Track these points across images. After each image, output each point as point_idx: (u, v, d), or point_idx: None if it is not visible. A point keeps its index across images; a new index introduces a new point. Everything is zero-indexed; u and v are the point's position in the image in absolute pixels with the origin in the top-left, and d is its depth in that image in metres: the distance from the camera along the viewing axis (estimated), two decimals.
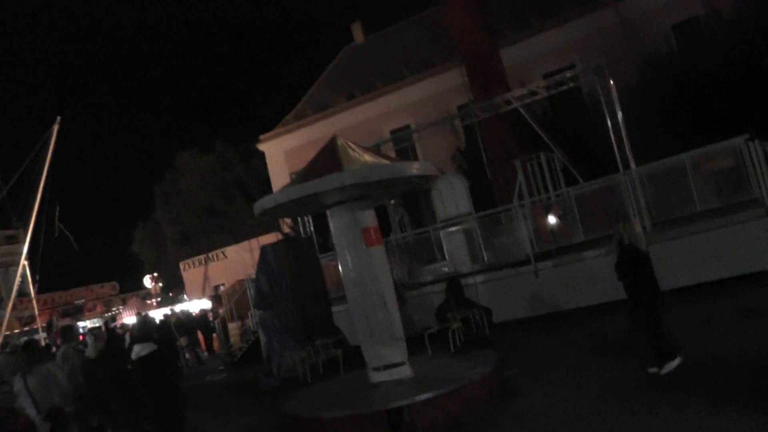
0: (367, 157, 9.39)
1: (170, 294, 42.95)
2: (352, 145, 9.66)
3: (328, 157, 9.39)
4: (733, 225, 12.17)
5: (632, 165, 14.25)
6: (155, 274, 43.42)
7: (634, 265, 8.15)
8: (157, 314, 26.27)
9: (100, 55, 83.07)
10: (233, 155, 44.53)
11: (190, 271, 36.43)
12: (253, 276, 15.99)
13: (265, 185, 32.52)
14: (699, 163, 13.72)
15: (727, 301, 10.99)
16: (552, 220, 15.48)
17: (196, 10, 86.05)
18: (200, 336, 23.43)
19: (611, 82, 14.77)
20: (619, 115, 14.55)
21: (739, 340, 8.40)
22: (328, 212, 9.72)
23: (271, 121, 33.42)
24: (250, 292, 17.29)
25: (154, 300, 40.34)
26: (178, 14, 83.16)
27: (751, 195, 12.72)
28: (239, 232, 36.44)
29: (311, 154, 29.66)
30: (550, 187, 16.05)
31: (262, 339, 15.41)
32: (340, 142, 9.63)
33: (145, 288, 43.10)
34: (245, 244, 32.75)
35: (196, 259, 36.44)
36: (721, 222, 12.32)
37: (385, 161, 9.44)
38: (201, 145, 43.59)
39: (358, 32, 35.26)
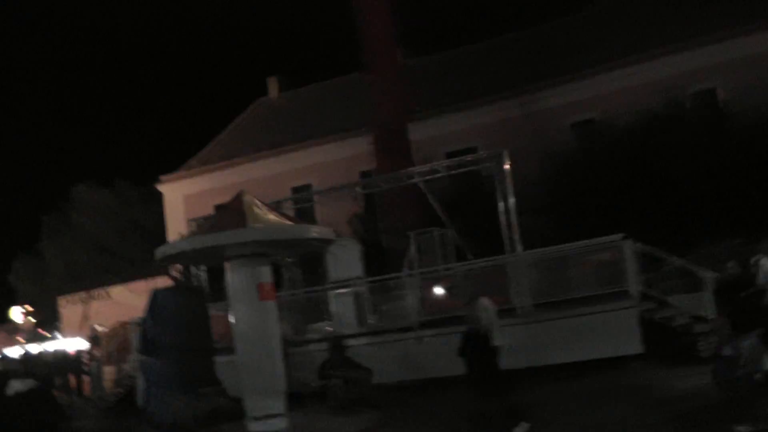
0: (272, 216, 9.85)
1: (42, 330, 40.94)
2: (258, 203, 10.10)
3: (234, 212, 9.79)
4: (606, 312, 13.38)
5: (519, 248, 15.37)
6: (27, 308, 41.26)
7: (480, 354, 8.78)
8: (29, 350, 25.19)
9: None
10: (132, 193, 43.66)
11: (70, 308, 35.04)
12: (139, 319, 15.89)
13: (161, 228, 32.17)
14: (582, 253, 14.97)
15: (592, 380, 12.02)
16: (439, 291, 16.27)
17: (117, 38, 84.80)
18: (71, 378, 22.55)
19: (507, 167, 15.98)
20: (512, 201, 15.73)
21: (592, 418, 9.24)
22: (226, 264, 10.06)
23: (174, 163, 33.24)
24: (135, 336, 17.11)
25: (22, 336, 38.28)
26: (97, 40, 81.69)
27: (624, 287, 13.96)
28: (128, 273, 35.57)
29: (211, 202, 29.92)
30: (441, 261, 16.88)
31: (142, 385, 15.25)
32: (246, 198, 10.05)
33: (14, 321, 40.86)
34: (133, 285, 32.01)
35: (77, 295, 35.17)
36: (596, 308, 13.56)
37: (288, 222, 9.92)
38: (99, 178, 42.41)
39: (273, 86, 35.73)
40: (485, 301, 9.60)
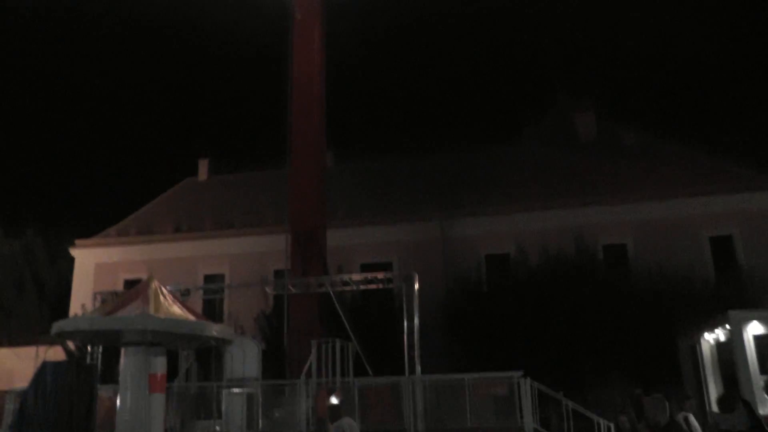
0: (175, 309, 9.94)
1: None
2: (165, 292, 10.18)
3: (139, 297, 9.85)
4: None
5: (418, 370, 15.69)
6: None
7: None
8: None
9: None
10: (41, 250, 42.17)
11: None
12: (20, 390, 15.17)
13: (65, 291, 31.17)
14: (478, 384, 15.35)
15: None
16: (333, 401, 16.27)
17: (67, 92, 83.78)
18: None
19: (416, 289, 16.46)
20: (416, 322, 16.12)
21: None
22: (122, 349, 10.01)
23: (91, 228, 32.62)
24: (11, 408, 16.25)
25: None
26: (42, 92, 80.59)
27: (517, 423, 14.33)
28: (18, 334, 33.91)
29: (121, 275, 29.18)
30: (339, 373, 16.96)
31: None
32: (153, 285, 10.13)
33: None
34: (21, 350, 30.45)
35: None
36: None
37: (190, 317, 10.01)
38: (9, 227, 40.87)
39: (203, 168, 35.72)
40: (347, 421, 9.79)
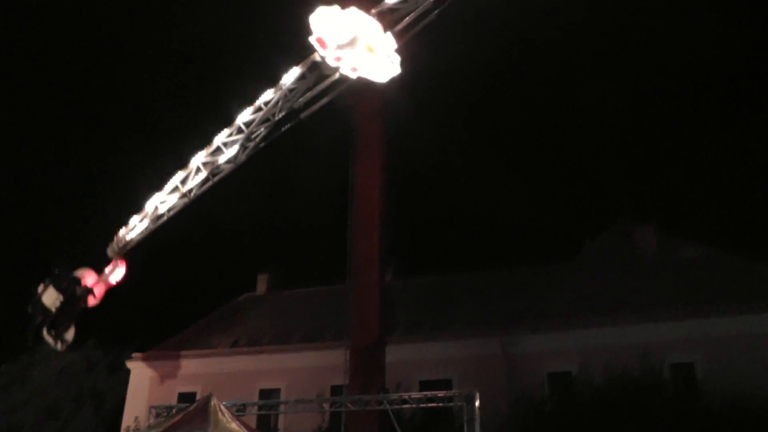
0: (233, 426, 9.78)
1: None
2: (223, 410, 10.05)
3: (199, 414, 9.73)
4: None
5: None
6: None
7: None
8: None
9: None
10: (100, 360, 42.47)
11: None
12: None
13: (120, 405, 31.16)
14: None
15: None
16: None
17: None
18: None
19: (477, 408, 15.95)
20: None
21: None
22: None
23: (148, 340, 32.91)
24: None
25: None
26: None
27: None
28: None
29: (177, 388, 29.18)
30: None
31: None
32: (213, 402, 10.03)
33: None
34: None
35: None
36: None
37: None
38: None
39: (262, 283, 36.16)
40: None
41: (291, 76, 14.55)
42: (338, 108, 18.80)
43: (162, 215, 16.35)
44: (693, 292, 25.15)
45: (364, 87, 17.82)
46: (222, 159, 14.92)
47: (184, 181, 15.91)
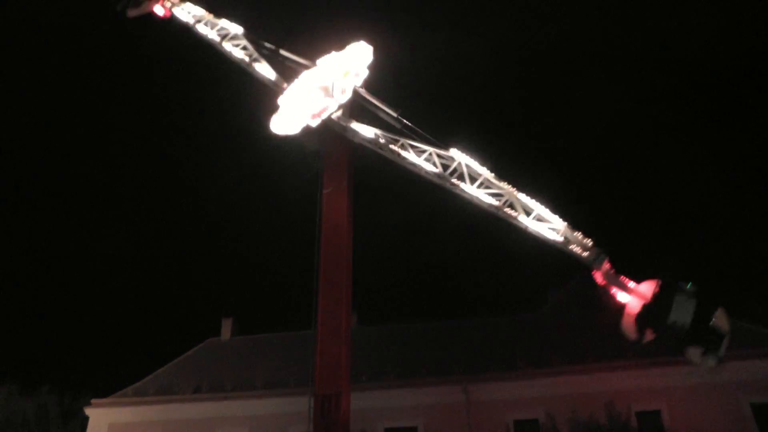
0: None
1: None
2: None
3: None
4: None
5: None
6: None
7: None
8: None
9: None
10: (54, 408, 41.38)
11: None
12: None
13: None
14: None
15: None
16: None
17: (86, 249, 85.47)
18: None
19: None
20: None
21: None
22: None
23: (106, 386, 32.10)
24: None
25: None
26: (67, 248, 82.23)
27: None
28: None
29: None
30: None
31: None
32: None
33: None
34: None
35: None
36: None
37: None
38: (24, 383, 40.22)
39: (226, 328, 35.66)
40: None
41: None
42: (306, 152, 19.01)
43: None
44: (659, 341, 25.24)
45: (332, 133, 18.24)
46: None
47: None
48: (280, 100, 18.38)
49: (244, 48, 20.07)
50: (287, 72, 19.27)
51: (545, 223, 14.81)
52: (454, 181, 15.61)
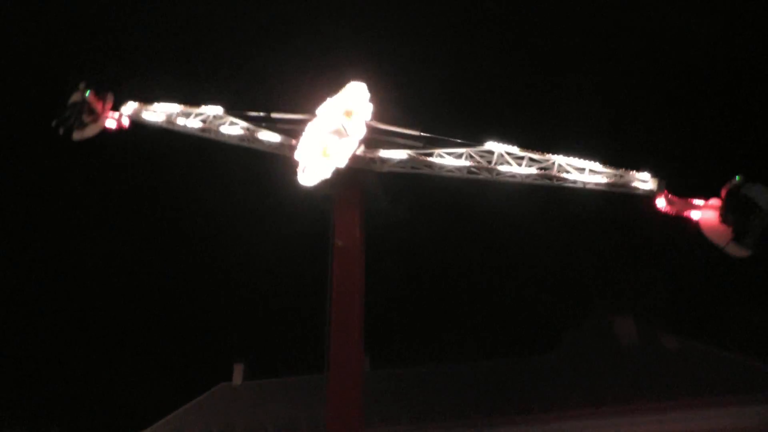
0: None
1: None
2: None
3: None
4: None
5: None
6: None
7: None
8: None
9: None
10: None
11: None
12: None
13: None
14: None
15: None
16: None
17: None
18: None
19: None
20: None
21: None
22: None
23: (115, 428, 31.92)
24: None
25: None
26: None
27: None
28: None
29: None
30: None
31: None
32: None
33: None
34: None
35: None
36: None
37: None
38: (31, 425, 40.13)
39: (238, 373, 35.42)
40: None
41: None
42: (316, 197, 19.16)
43: (183, 127, 20.33)
44: (675, 384, 25.06)
45: (343, 178, 18.42)
46: None
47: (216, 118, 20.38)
48: (297, 156, 18.38)
49: (233, 124, 19.81)
50: (290, 132, 19.29)
51: (598, 174, 15.51)
52: (500, 168, 16.24)
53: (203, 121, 19.87)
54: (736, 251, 13.93)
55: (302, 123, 19.11)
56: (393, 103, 19.27)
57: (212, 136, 19.81)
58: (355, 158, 17.78)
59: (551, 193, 16.76)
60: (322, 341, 21.15)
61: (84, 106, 21.14)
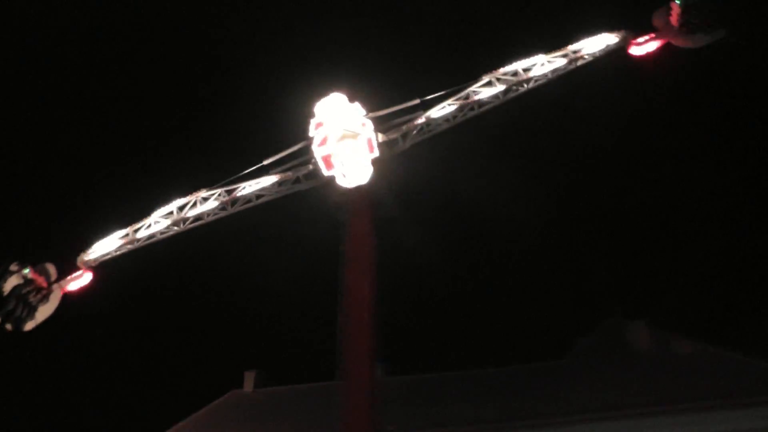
0: None
1: None
2: None
3: None
4: None
5: None
6: None
7: None
8: None
9: None
10: None
11: None
12: None
13: None
14: None
15: None
16: None
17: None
18: None
19: None
20: None
21: None
22: None
23: None
24: None
25: None
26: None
27: None
28: None
29: None
30: None
31: None
32: None
33: None
34: None
35: None
36: None
37: None
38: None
39: (249, 380, 35.35)
40: None
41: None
42: (327, 204, 19.30)
43: (148, 237, 18.34)
44: (689, 388, 24.97)
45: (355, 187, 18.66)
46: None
47: (182, 208, 17.92)
48: (326, 173, 18.82)
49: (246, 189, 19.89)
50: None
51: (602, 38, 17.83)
52: (532, 74, 18.12)
53: (206, 214, 19.52)
54: (714, 37, 16.18)
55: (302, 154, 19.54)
56: (380, 90, 19.91)
57: (209, 219, 19.57)
58: (385, 145, 18.58)
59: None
60: (334, 348, 21.18)
61: (27, 288, 18.19)
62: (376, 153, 18.41)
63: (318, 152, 18.72)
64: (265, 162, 19.72)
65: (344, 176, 18.48)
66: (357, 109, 18.87)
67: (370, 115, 18.77)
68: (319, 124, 18.91)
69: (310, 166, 19.48)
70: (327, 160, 18.52)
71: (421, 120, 18.38)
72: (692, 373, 25.84)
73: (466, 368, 31.26)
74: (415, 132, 18.50)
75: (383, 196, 21.52)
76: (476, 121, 18.74)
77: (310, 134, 19.22)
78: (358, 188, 18.71)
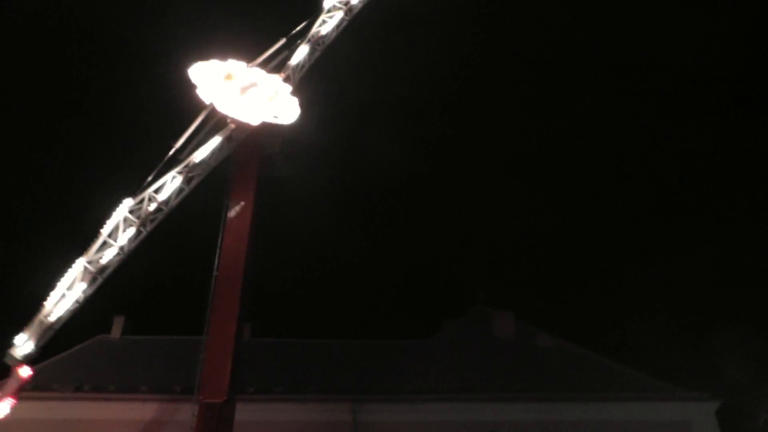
0: None
1: None
2: None
3: None
4: None
5: None
6: None
7: None
8: None
9: None
10: None
11: None
12: None
13: None
14: None
15: None
16: None
17: None
18: None
19: None
20: None
21: None
22: None
23: None
24: None
25: None
26: None
27: None
28: None
29: None
30: None
31: None
32: None
33: None
34: None
35: None
36: None
37: None
38: None
39: (117, 326, 34.33)
40: None
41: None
42: (216, 171, 19.53)
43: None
44: (545, 378, 26.34)
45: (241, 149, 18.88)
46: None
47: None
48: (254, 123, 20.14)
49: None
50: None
51: None
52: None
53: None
54: None
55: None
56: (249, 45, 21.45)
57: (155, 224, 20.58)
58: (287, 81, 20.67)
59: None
60: (205, 303, 21.16)
61: None
62: (289, 87, 20.38)
63: (230, 110, 19.86)
64: (176, 146, 20.24)
65: (276, 117, 20.26)
66: (237, 64, 20.10)
67: (251, 64, 20.34)
68: (210, 89, 19.64)
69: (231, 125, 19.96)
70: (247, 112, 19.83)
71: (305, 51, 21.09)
72: (552, 366, 27.28)
73: (331, 337, 31.65)
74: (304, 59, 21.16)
75: (274, 155, 21.84)
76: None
77: (207, 102, 19.86)
78: (247, 149, 19.01)
